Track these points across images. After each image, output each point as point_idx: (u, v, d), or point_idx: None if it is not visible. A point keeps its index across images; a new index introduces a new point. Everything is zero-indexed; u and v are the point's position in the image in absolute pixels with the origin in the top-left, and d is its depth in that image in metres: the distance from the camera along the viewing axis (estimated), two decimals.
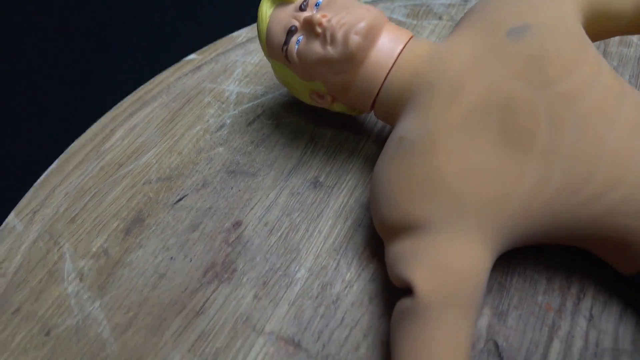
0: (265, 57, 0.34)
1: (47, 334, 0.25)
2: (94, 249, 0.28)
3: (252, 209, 0.29)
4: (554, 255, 0.26)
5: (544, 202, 0.22)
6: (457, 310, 0.21)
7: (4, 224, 0.30)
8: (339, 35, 0.25)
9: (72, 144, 0.33)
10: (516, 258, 0.26)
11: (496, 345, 0.23)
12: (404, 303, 0.22)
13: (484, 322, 0.24)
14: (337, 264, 0.27)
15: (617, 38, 0.34)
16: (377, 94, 0.26)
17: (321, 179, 0.30)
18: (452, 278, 0.21)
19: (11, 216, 0.30)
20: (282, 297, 0.26)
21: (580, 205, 0.22)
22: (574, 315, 0.24)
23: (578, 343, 0.23)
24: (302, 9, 0.27)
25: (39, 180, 0.32)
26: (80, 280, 0.27)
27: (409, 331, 0.21)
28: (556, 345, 0.23)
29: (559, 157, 0.22)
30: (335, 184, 0.30)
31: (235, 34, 0.40)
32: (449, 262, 0.21)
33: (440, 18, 0.38)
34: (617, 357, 0.23)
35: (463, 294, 0.21)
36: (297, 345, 0.24)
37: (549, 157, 0.22)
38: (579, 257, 0.26)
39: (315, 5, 0.26)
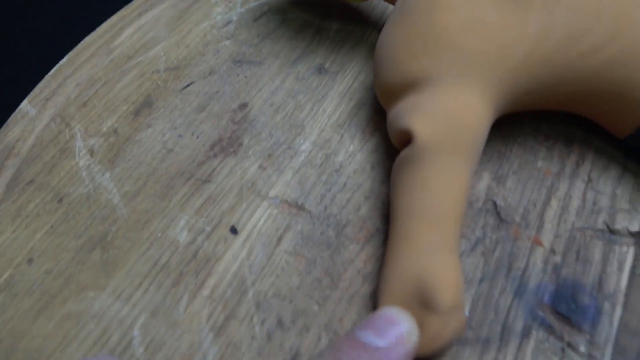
0: None
1: (60, 201, 0.26)
2: (104, 129, 0.29)
3: (258, 92, 0.29)
4: (554, 125, 0.26)
5: (545, 54, 0.22)
6: (455, 156, 0.21)
7: (17, 109, 0.31)
8: None
9: (82, 41, 0.34)
10: (516, 129, 0.26)
11: (494, 204, 0.24)
12: (404, 152, 0.22)
13: (483, 184, 0.25)
14: (341, 137, 0.27)
15: None
16: None
17: (326, 66, 0.30)
18: (451, 125, 0.22)
19: (24, 103, 0.31)
20: (286, 166, 0.26)
21: (580, 57, 0.22)
22: (573, 178, 0.24)
23: (575, 202, 0.24)
24: None
25: (50, 72, 0.32)
26: (91, 155, 0.28)
27: (408, 174, 0.21)
28: (554, 204, 0.24)
29: (559, 8, 0.22)
30: (340, 69, 0.30)
31: None
32: (448, 111, 0.22)
33: None
34: (614, 215, 0.23)
35: (461, 141, 0.22)
36: (300, 207, 0.25)
37: (549, 8, 0.22)
38: (579, 126, 0.26)
39: None
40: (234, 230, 0.24)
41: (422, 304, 0.19)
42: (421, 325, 0.19)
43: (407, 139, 0.23)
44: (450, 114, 0.22)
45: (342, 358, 0.17)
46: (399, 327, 0.18)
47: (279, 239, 0.24)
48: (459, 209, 0.21)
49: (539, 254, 0.23)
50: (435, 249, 0.20)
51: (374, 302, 0.22)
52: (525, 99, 0.23)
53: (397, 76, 0.23)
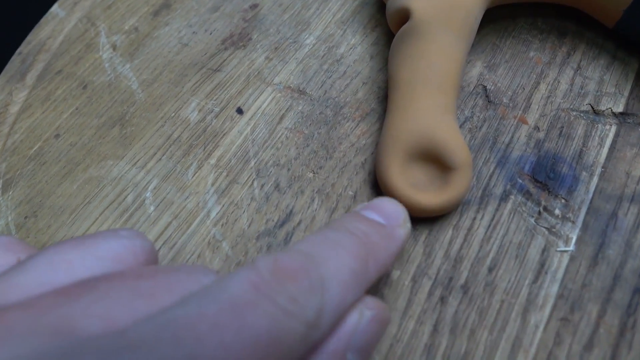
0: None
1: (84, 87, 0.29)
2: (126, 27, 0.31)
3: None
4: (548, 19, 0.27)
5: None
6: (451, 30, 0.23)
7: (48, 12, 0.33)
8: None
9: None
10: (512, 24, 0.27)
11: (485, 88, 0.25)
12: (403, 28, 0.24)
13: (475, 72, 0.26)
14: (344, 32, 0.29)
15: None
16: None
17: None
18: (445, 1, 0.23)
19: (55, 6, 0.33)
20: (291, 57, 0.28)
21: None
22: (562, 66, 0.26)
23: (563, 87, 0.25)
24: None
25: None
26: (114, 49, 0.30)
27: (408, 46, 0.23)
28: (542, 88, 0.25)
29: None
30: None
31: None
32: None
33: None
34: (600, 97, 0.24)
35: (457, 15, 0.23)
36: (302, 92, 0.27)
37: None
38: (573, 20, 0.27)
39: None
40: (240, 111, 0.26)
41: (441, 164, 0.21)
42: (442, 183, 0.21)
43: (403, 17, 0.24)
44: None
45: (350, 227, 0.18)
46: (399, 212, 0.19)
47: (281, 118, 0.26)
48: (457, 79, 0.23)
49: (523, 131, 0.24)
50: (442, 112, 0.22)
51: (365, 169, 0.24)
52: None
53: None
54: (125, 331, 0.12)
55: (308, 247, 0.16)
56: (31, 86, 0.29)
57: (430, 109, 0.22)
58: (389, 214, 0.19)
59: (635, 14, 0.23)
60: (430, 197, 0.21)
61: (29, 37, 0.32)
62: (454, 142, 0.21)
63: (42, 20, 0.32)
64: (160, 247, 0.23)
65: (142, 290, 0.14)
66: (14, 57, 0.31)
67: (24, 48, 0.31)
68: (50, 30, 0.32)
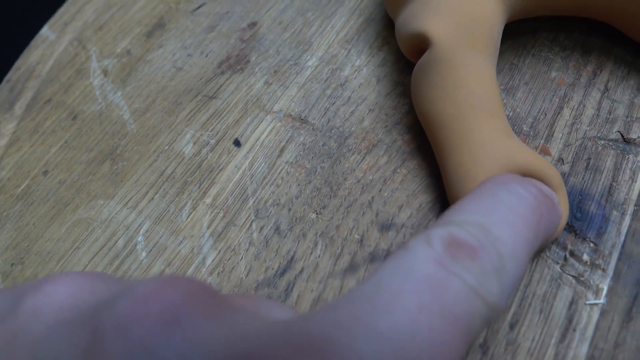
0: None
1: (74, 118, 0.27)
2: (118, 50, 0.29)
3: (267, 10, 0.29)
4: (571, 35, 0.25)
5: None
6: (477, 51, 0.20)
7: (37, 35, 0.31)
8: None
9: None
10: (531, 40, 0.25)
11: None
12: (424, 58, 0.21)
13: None
14: (348, 52, 0.27)
15: None
16: None
17: None
18: (467, 19, 0.21)
19: (45, 28, 0.32)
20: (292, 82, 0.26)
21: None
22: (588, 88, 0.23)
23: (589, 112, 0.23)
24: None
25: (69, 0, 0.33)
26: (105, 75, 0.28)
27: (436, 78, 0.21)
28: (566, 114, 0.23)
29: None
30: None
31: None
32: (461, 4, 0.21)
33: None
34: (630, 123, 0.22)
35: (480, 34, 0.21)
36: (304, 121, 0.25)
37: None
38: (599, 36, 0.24)
39: None
40: (237, 143, 0.25)
41: None
42: None
43: (420, 44, 0.22)
44: (463, 7, 0.21)
45: (522, 188, 0.16)
46: (554, 194, 0.18)
47: (281, 150, 0.24)
48: (500, 101, 0.20)
49: None
50: (506, 136, 0.19)
51: (372, 209, 0.22)
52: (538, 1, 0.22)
53: None
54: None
55: (481, 217, 0.15)
56: (20, 117, 0.28)
57: (495, 135, 0.19)
58: (549, 191, 0.18)
59: None
60: None
61: (17, 63, 0.30)
62: (541, 162, 0.19)
63: (32, 43, 0.31)
64: None
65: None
66: (2, 85, 0.29)
67: (12, 75, 0.30)
68: (40, 55, 0.30)
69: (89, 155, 0.25)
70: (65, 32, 0.31)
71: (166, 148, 0.25)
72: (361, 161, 0.23)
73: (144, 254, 0.22)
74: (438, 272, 0.13)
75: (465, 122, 0.20)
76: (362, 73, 0.26)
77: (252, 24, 0.29)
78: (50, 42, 0.31)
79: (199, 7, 0.30)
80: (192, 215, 0.23)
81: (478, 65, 0.20)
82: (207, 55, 0.28)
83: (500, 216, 0.15)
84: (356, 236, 0.21)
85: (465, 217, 0.15)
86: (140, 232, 0.23)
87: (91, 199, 0.24)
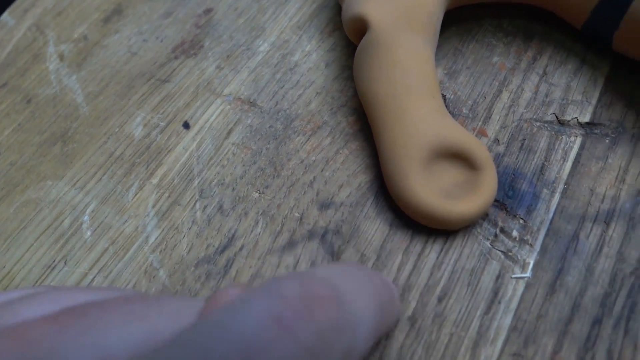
0: None
1: (28, 101, 0.27)
2: (75, 35, 0.29)
3: None
4: (515, 21, 0.25)
5: None
6: (415, 34, 0.21)
7: None
8: None
9: None
10: (476, 26, 0.26)
11: (444, 97, 0.24)
12: (364, 41, 0.22)
13: None
14: (299, 38, 0.27)
15: None
16: None
17: None
18: (404, 2, 0.21)
19: (4, 15, 0.32)
20: (243, 66, 0.26)
21: None
22: (527, 72, 0.24)
23: (527, 95, 0.23)
24: None
25: None
26: (61, 60, 0.29)
27: (376, 59, 0.21)
28: (504, 97, 0.23)
29: None
30: None
31: None
32: None
33: None
34: (565, 106, 0.23)
35: (418, 17, 0.21)
36: (252, 104, 0.25)
37: None
38: (541, 22, 0.25)
39: None
40: (186, 125, 0.25)
41: (464, 166, 0.19)
42: (470, 186, 0.19)
43: (361, 27, 0.22)
44: None
45: (366, 274, 0.16)
46: (393, 287, 0.18)
47: (229, 132, 0.24)
48: (436, 81, 0.21)
49: None
50: (440, 115, 0.20)
51: (313, 188, 0.22)
52: None
53: None
54: None
55: (334, 278, 0.14)
56: None
57: (428, 114, 0.20)
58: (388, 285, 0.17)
59: (603, 15, 0.22)
60: (466, 203, 0.19)
61: None
62: (470, 140, 0.19)
63: None
64: (95, 276, 0.21)
65: (134, 313, 0.13)
66: None
67: None
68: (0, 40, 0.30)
69: (41, 138, 0.26)
70: (24, 18, 0.31)
71: (117, 130, 0.25)
72: (305, 142, 0.24)
73: (88, 233, 0.23)
74: (266, 331, 0.11)
75: (400, 101, 0.20)
76: (312, 58, 0.26)
77: (208, 10, 0.29)
78: (9, 28, 0.31)
79: None
80: (138, 195, 0.23)
81: (415, 47, 0.21)
82: (162, 41, 0.28)
83: (352, 283, 0.14)
84: (296, 214, 0.22)
85: (315, 274, 0.14)
86: (87, 212, 0.23)
87: (40, 179, 0.24)
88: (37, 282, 0.22)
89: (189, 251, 0.22)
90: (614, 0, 0.21)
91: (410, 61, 0.21)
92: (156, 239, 0.22)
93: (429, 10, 0.21)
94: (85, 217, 0.23)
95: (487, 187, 0.19)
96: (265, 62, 0.26)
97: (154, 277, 0.21)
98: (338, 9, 0.28)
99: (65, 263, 0.22)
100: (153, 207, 0.23)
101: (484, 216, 0.21)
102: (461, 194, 0.19)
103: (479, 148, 0.19)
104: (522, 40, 0.25)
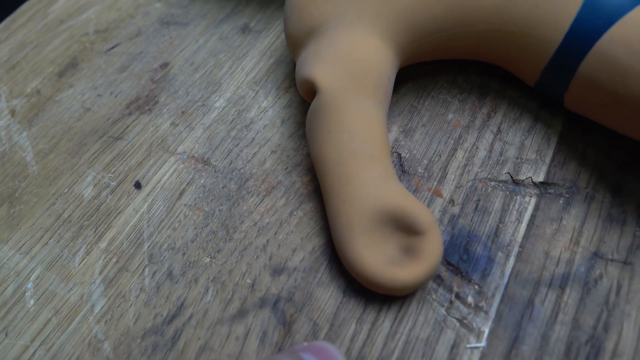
0: None
1: None
2: (28, 90, 0.29)
3: (181, 51, 0.29)
4: (470, 77, 0.25)
5: None
6: (364, 96, 0.21)
7: None
8: None
9: (21, 6, 0.34)
10: (431, 83, 0.26)
11: (399, 156, 0.23)
12: (314, 104, 0.22)
13: (390, 137, 0.24)
14: (256, 94, 0.27)
15: None
16: None
17: (251, 25, 0.30)
18: (352, 66, 0.21)
19: None
20: (198, 123, 0.26)
21: None
22: (482, 130, 0.24)
23: (482, 153, 0.23)
24: None
25: None
26: (12, 115, 0.28)
27: (325, 122, 0.21)
28: (459, 156, 0.23)
29: None
30: (264, 28, 0.30)
31: None
32: (348, 52, 0.21)
33: None
34: (520, 165, 0.23)
35: (367, 80, 0.21)
36: (206, 162, 0.25)
37: None
38: (495, 78, 0.25)
39: None
40: (138, 185, 0.24)
41: (407, 231, 0.19)
42: (414, 251, 0.19)
43: (312, 89, 0.22)
44: (350, 55, 0.21)
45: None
46: (339, 358, 0.18)
47: (181, 193, 0.24)
48: (385, 144, 0.21)
49: (437, 205, 0.22)
50: (384, 180, 0.20)
51: (266, 252, 0.22)
52: (431, 42, 0.23)
53: (300, 23, 0.23)
54: None
55: None
56: None
57: (371, 180, 0.20)
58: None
59: (553, 75, 0.22)
60: (410, 270, 0.18)
61: None
62: (412, 204, 0.19)
63: None
64: (36, 349, 0.20)
65: None
66: None
67: None
68: None
69: None
70: None
71: (66, 191, 0.25)
72: (259, 203, 0.23)
73: (32, 302, 0.22)
74: None
75: (345, 167, 0.20)
76: (268, 114, 0.26)
77: (164, 65, 0.29)
78: None
79: (113, 47, 0.30)
80: (85, 260, 0.22)
81: (364, 109, 0.21)
82: (116, 96, 0.28)
83: None
84: (248, 281, 0.21)
85: None
86: (31, 279, 0.22)
87: None
88: None
89: (135, 321, 0.21)
90: (562, 62, 0.21)
91: (357, 125, 0.20)
92: (102, 308, 0.21)
93: (378, 72, 0.21)
94: (29, 285, 0.22)
95: (431, 252, 0.18)
96: (221, 118, 0.26)
97: (98, 349, 0.20)
98: (294, 64, 0.27)
99: (6, 335, 0.21)
100: (100, 273, 0.22)
101: (439, 281, 0.20)
102: (406, 259, 0.19)
103: (421, 212, 0.19)
104: (476, 97, 0.25)
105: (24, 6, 0.34)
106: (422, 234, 0.18)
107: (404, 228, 0.19)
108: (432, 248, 0.18)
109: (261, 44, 0.29)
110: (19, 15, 0.33)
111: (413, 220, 0.18)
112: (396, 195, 0.19)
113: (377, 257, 0.19)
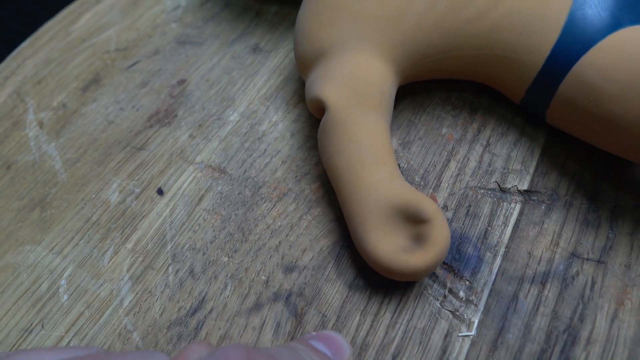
0: None
1: (8, 167, 0.29)
2: (54, 104, 0.31)
3: (196, 69, 0.32)
4: (462, 94, 0.28)
5: (435, 19, 0.24)
6: (368, 110, 0.23)
7: None
8: None
9: (44, 25, 0.36)
10: (427, 100, 0.28)
11: (398, 166, 0.26)
12: (324, 120, 0.24)
13: None
14: (267, 109, 0.29)
15: None
16: None
17: (261, 45, 0.32)
18: (357, 85, 0.24)
19: None
20: (214, 135, 0.28)
21: (467, 22, 0.24)
22: (473, 143, 0.26)
23: (472, 164, 0.26)
24: None
25: (12, 54, 0.35)
26: (40, 127, 0.30)
27: (332, 137, 0.23)
28: (452, 166, 0.26)
29: None
30: (274, 48, 0.32)
31: None
32: (352, 73, 0.24)
33: None
34: (506, 175, 0.25)
35: (370, 97, 0.23)
36: (222, 171, 0.27)
37: None
38: (485, 96, 0.28)
39: None
40: (160, 192, 0.27)
41: (415, 221, 0.21)
42: (422, 240, 0.21)
43: (321, 106, 0.25)
44: (355, 75, 0.24)
45: (302, 354, 0.17)
46: (346, 348, 0.20)
47: (200, 199, 0.26)
48: (390, 149, 0.23)
49: None
50: (390, 180, 0.22)
51: (278, 252, 0.24)
52: (427, 64, 0.25)
53: (309, 46, 0.25)
54: None
55: (277, 354, 0.16)
56: None
57: (379, 181, 0.22)
58: (337, 349, 0.19)
59: (535, 95, 0.24)
60: (421, 255, 0.20)
61: None
62: (416, 196, 0.21)
63: None
64: (71, 339, 0.23)
65: None
66: None
67: None
68: None
69: (20, 203, 0.27)
70: (5, 86, 0.33)
71: (93, 196, 0.27)
72: (272, 208, 0.25)
73: (65, 297, 0.24)
74: None
75: (355, 173, 0.22)
76: (278, 128, 0.28)
77: (182, 81, 0.31)
78: None
79: (133, 64, 0.33)
80: (113, 259, 0.25)
81: (369, 122, 0.23)
82: (137, 110, 0.30)
83: None
84: (263, 277, 0.23)
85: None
86: (64, 276, 0.24)
87: (19, 244, 0.26)
88: (14, 345, 0.23)
89: (161, 314, 0.23)
90: (544, 83, 0.24)
91: (363, 135, 0.23)
92: (130, 302, 0.23)
93: (380, 90, 0.24)
94: (62, 282, 0.24)
95: (438, 237, 0.21)
96: (235, 131, 0.28)
97: (127, 339, 0.22)
98: (302, 81, 0.30)
99: (42, 326, 0.23)
100: (127, 271, 0.24)
101: (434, 278, 0.23)
102: (417, 247, 0.21)
103: (425, 201, 0.21)
104: (468, 113, 0.27)
105: (47, 25, 0.36)
106: (428, 221, 0.21)
107: (412, 218, 0.21)
108: (439, 234, 0.21)
109: (271, 63, 0.31)
110: (43, 34, 0.36)
111: (418, 209, 0.21)
112: (402, 191, 0.21)
113: (391, 247, 0.21)
